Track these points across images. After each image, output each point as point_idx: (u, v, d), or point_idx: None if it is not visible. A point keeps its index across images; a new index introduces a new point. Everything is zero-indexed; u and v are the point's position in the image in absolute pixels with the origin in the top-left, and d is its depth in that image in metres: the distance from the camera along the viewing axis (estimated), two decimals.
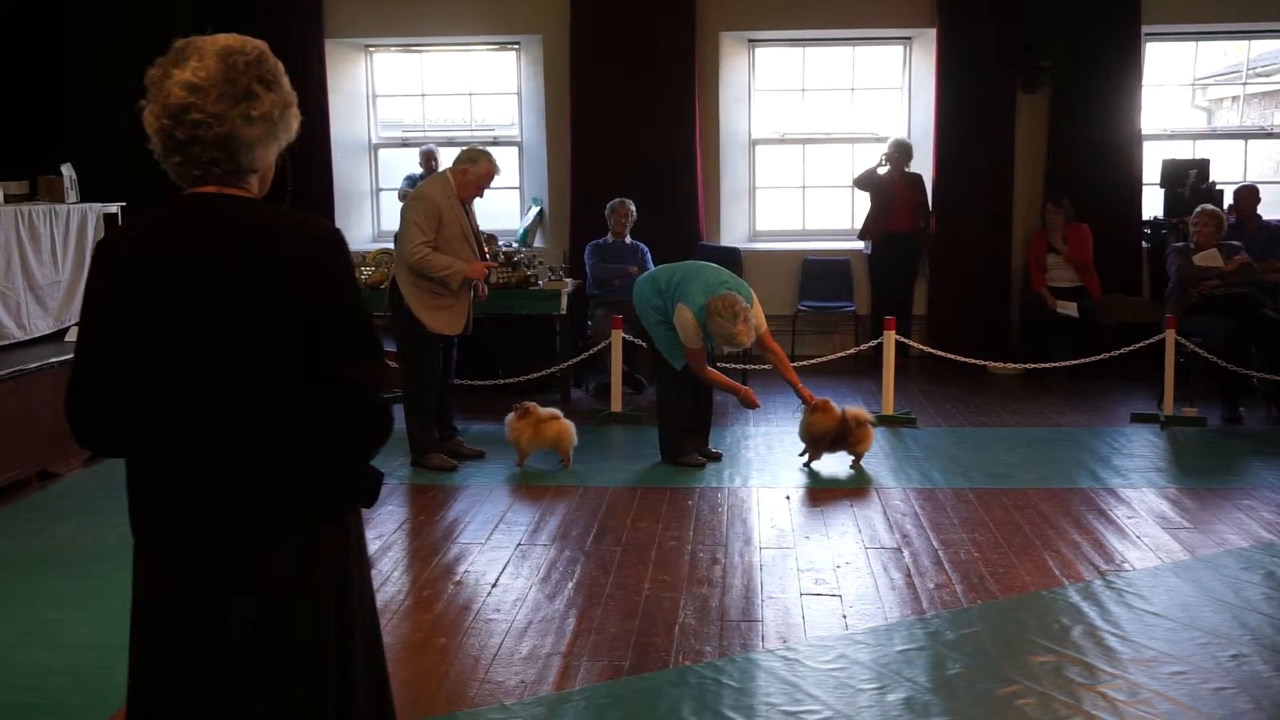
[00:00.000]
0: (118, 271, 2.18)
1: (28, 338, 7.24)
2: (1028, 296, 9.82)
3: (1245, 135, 10.87)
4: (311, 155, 10.08)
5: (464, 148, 6.84)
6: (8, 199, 7.55)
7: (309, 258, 2.16)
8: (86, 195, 8.20)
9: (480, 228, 6.98)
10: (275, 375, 2.15)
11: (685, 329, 6.55)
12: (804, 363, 8.90)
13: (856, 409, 6.91)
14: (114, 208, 8.26)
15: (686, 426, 6.90)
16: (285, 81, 2.25)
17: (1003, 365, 9.20)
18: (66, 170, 8.05)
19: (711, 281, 6.58)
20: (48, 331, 7.43)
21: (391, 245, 9.18)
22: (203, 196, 2.20)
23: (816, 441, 6.76)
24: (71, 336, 7.44)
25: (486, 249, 7.26)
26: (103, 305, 2.19)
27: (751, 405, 6.90)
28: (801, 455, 6.86)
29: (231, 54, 2.17)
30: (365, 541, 2.44)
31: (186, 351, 2.13)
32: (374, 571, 5.04)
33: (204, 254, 2.14)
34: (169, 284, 2.14)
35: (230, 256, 2.14)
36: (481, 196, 6.88)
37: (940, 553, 5.32)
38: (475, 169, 6.64)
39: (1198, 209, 8.51)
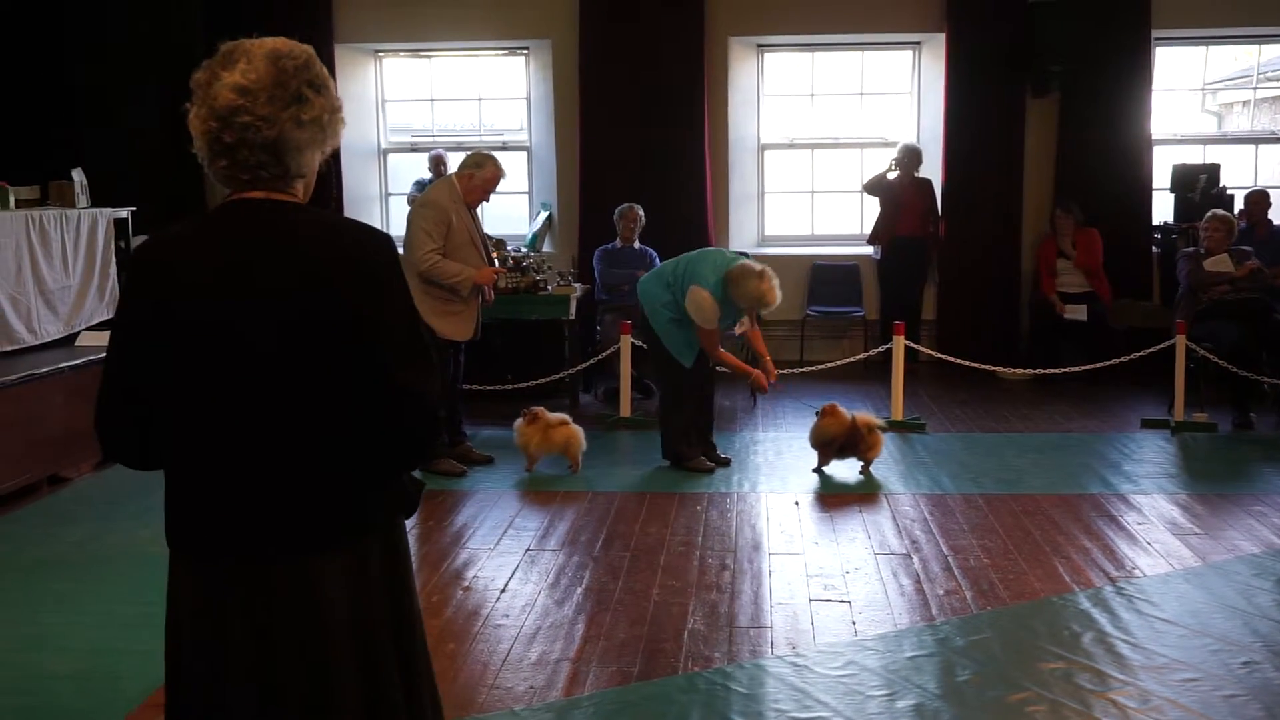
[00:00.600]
0: (161, 278, 2.14)
1: (38, 342, 7.24)
2: (1037, 301, 9.80)
3: (1256, 140, 10.84)
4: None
5: (470, 152, 6.86)
6: (18, 204, 7.55)
7: (360, 262, 2.13)
8: (97, 200, 8.21)
9: (486, 232, 6.99)
10: (324, 381, 2.12)
11: (701, 308, 6.53)
12: (813, 368, 8.92)
13: (866, 415, 6.90)
14: (124, 212, 8.27)
15: (688, 431, 6.87)
16: (333, 86, 2.23)
17: (1012, 370, 9.17)
18: (77, 175, 8.06)
19: (720, 260, 6.62)
20: (58, 336, 7.43)
21: (401, 250, 9.19)
22: (250, 201, 2.17)
23: (826, 446, 6.75)
24: (82, 341, 7.45)
25: (495, 254, 7.27)
26: (143, 313, 2.15)
27: (761, 389, 6.90)
28: (816, 468, 6.84)
29: (281, 57, 2.15)
30: (409, 550, 2.42)
31: (232, 359, 2.10)
32: None
33: (254, 259, 2.11)
34: (216, 291, 2.10)
35: (280, 261, 2.11)
36: (488, 201, 6.90)
37: (950, 559, 5.30)
38: (481, 173, 6.65)
39: (1209, 214, 8.49)
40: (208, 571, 2.18)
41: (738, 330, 6.88)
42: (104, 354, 2.24)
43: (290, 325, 2.10)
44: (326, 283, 2.10)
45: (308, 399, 2.13)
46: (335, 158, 10.20)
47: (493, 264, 6.90)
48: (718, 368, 6.87)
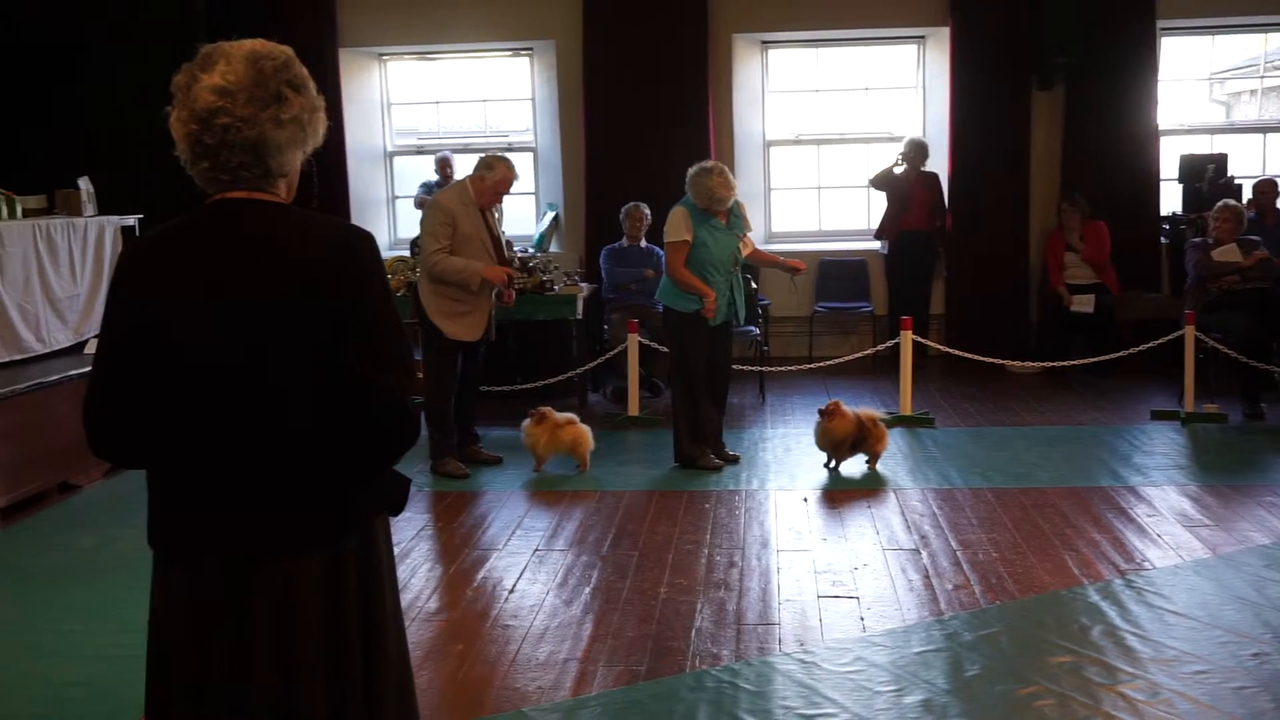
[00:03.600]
0: (145, 278, 2.17)
1: (47, 350, 7.28)
2: (1046, 294, 9.77)
3: (1264, 129, 10.79)
4: (327, 163, 10.12)
5: (482, 155, 6.88)
6: (26, 213, 7.60)
7: (342, 262, 2.15)
8: (104, 208, 8.24)
9: (505, 234, 7.01)
10: (305, 381, 2.14)
11: (671, 221, 6.70)
12: (822, 364, 8.91)
13: (868, 410, 6.90)
14: (131, 220, 8.31)
15: (699, 433, 6.86)
16: (313, 86, 2.24)
17: (1021, 364, 9.16)
18: (84, 184, 8.09)
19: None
20: (66, 344, 7.47)
21: (406, 253, 9.23)
22: (233, 202, 2.19)
23: (838, 446, 6.73)
24: (91, 349, 7.48)
25: (510, 256, 7.27)
26: (128, 313, 2.17)
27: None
28: (827, 465, 6.82)
29: (259, 58, 2.16)
30: (392, 549, 2.43)
31: (215, 359, 2.12)
32: None
33: (236, 260, 2.13)
34: (201, 292, 2.12)
35: (263, 262, 2.13)
36: (500, 203, 6.93)
37: (958, 553, 5.29)
38: (492, 175, 6.68)
39: (1219, 204, 8.46)
40: (188, 572, 2.20)
41: (744, 252, 6.90)
42: None
43: (274, 325, 2.12)
44: (309, 282, 2.12)
45: (289, 400, 2.14)
46: (341, 161, 10.31)
47: (507, 265, 6.91)
48: (684, 290, 6.65)
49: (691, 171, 6.72)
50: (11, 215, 7.35)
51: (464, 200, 6.64)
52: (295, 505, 2.18)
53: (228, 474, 2.16)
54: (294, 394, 2.14)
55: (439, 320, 6.59)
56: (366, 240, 2.23)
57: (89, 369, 6.66)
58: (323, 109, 2.27)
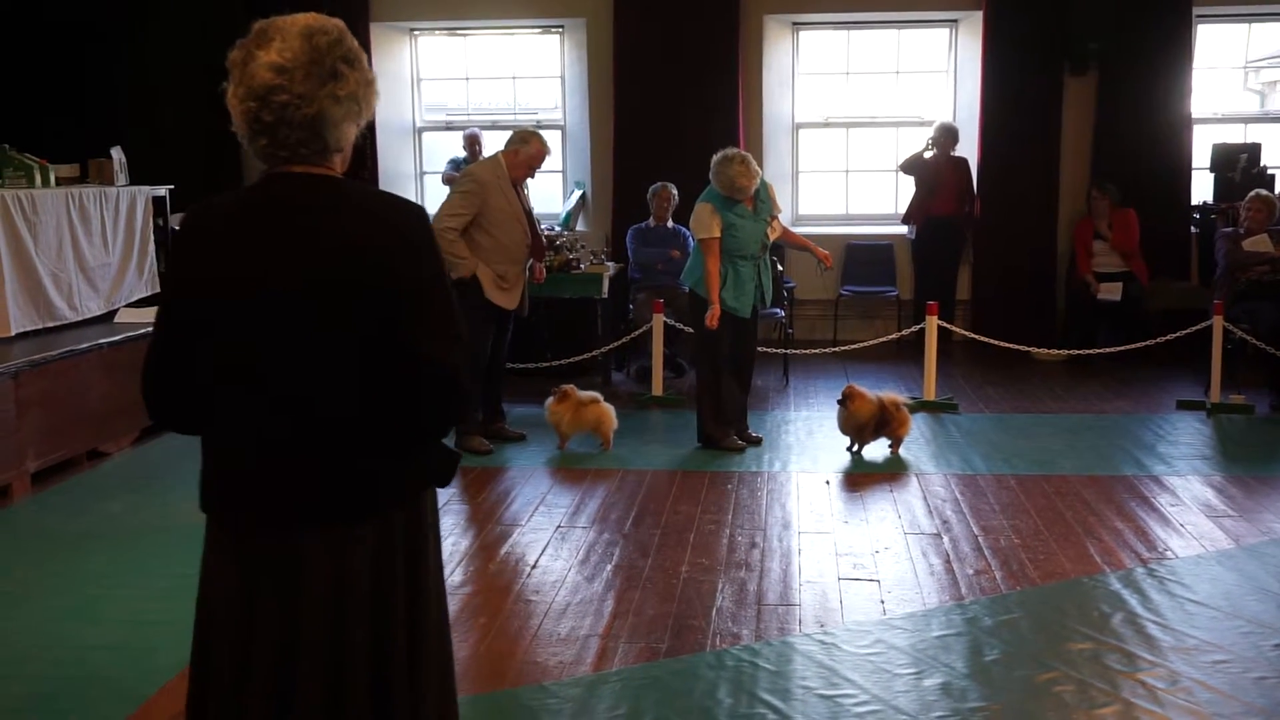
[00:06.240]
0: (203, 250, 2.20)
1: (79, 319, 7.34)
2: (1073, 282, 9.73)
3: None
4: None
5: (512, 131, 6.91)
6: (59, 182, 7.65)
7: (397, 235, 2.18)
8: (136, 178, 8.30)
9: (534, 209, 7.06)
10: (359, 352, 2.17)
11: (698, 218, 6.69)
12: (846, 348, 8.91)
13: (891, 394, 6.89)
14: (163, 190, 8.36)
15: (723, 414, 6.87)
16: (365, 59, 2.27)
17: (1047, 351, 9.12)
18: (116, 153, 8.14)
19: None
20: (98, 313, 7.52)
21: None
22: (291, 175, 2.22)
23: (861, 429, 6.74)
24: (122, 318, 7.53)
25: (540, 229, 7.31)
26: (188, 282, 2.21)
27: (711, 323, 6.69)
28: (849, 449, 6.82)
29: (314, 34, 2.18)
30: (439, 521, 2.46)
31: (269, 331, 2.16)
32: None
33: (295, 233, 2.17)
34: (257, 263, 2.15)
35: (320, 235, 2.16)
36: (533, 177, 6.98)
37: (980, 539, 5.30)
38: (526, 149, 6.71)
39: (1251, 194, 8.40)
40: (239, 538, 2.24)
41: (771, 237, 6.87)
42: (144, 330, 2.30)
43: (328, 297, 2.15)
44: (364, 255, 2.15)
45: (341, 371, 2.17)
46: (371, 134, 10.33)
47: (539, 239, 6.96)
48: (709, 282, 6.66)
49: (714, 160, 6.72)
50: (45, 184, 7.41)
51: (497, 173, 6.67)
52: (344, 476, 2.21)
53: (277, 443, 2.19)
54: (345, 366, 2.17)
55: (484, 285, 6.60)
56: (420, 215, 2.26)
57: (120, 337, 6.70)
58: (375, 82, 2.29)
